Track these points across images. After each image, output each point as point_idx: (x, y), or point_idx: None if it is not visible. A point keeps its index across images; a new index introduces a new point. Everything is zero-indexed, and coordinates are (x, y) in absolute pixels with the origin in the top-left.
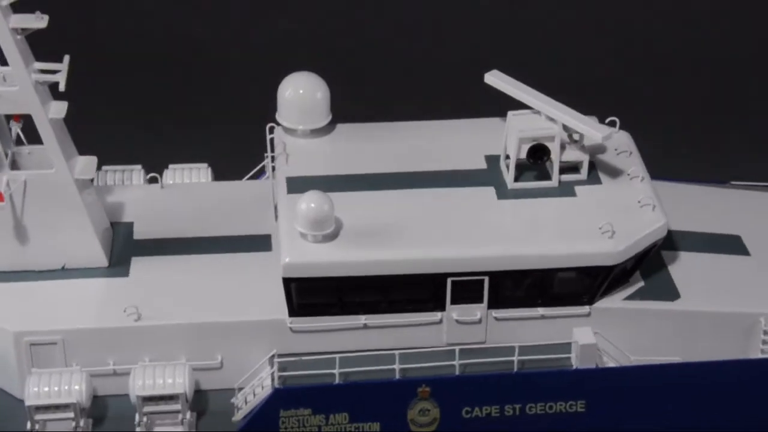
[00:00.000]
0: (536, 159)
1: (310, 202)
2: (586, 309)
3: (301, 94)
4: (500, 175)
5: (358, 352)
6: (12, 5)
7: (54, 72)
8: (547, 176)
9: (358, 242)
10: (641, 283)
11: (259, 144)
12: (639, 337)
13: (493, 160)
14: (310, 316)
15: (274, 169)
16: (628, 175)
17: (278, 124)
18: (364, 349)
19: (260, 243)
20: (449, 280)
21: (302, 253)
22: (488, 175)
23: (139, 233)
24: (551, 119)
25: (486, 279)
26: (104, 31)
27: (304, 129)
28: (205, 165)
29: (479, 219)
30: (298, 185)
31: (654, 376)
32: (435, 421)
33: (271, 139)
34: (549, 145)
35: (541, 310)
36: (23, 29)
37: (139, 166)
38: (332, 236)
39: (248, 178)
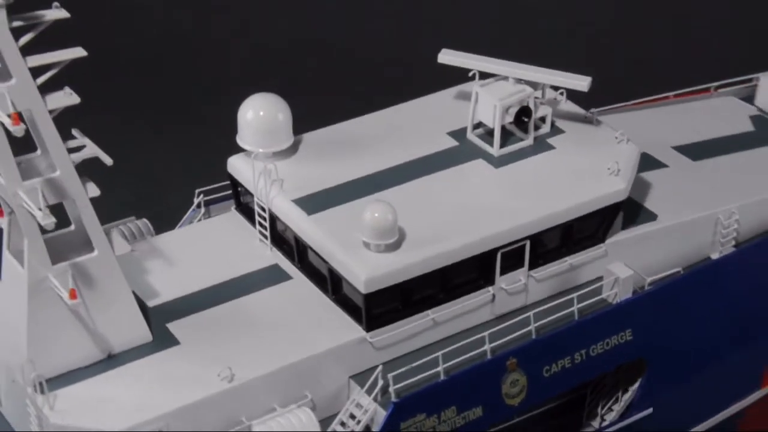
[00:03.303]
0: (521, 121)
1: (386, 212)
2: (603, 247)
3: (262, 116)
4: (477, 147)
5: (427, 346)
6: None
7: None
8: (516, 137)
9: (414, 242)
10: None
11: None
12: (640, 261)
13: (458, 135)
14: (383, 326)
15: (239, 201)
16: (586, 117)
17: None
18: (433, 342)
19: (276, 275)
20: (499, 253)
21: (376, 265)
22: (466, 150)
23: (149, 300)
24: (520, 81)
25: (527, 243)
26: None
27: (265, 152)
28: (144, 220)
29: (495, 190)
30: (309, 205)
31: (685, 285)
32: (524, 389)
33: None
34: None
35: (568, 260)
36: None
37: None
38: (397, 243)
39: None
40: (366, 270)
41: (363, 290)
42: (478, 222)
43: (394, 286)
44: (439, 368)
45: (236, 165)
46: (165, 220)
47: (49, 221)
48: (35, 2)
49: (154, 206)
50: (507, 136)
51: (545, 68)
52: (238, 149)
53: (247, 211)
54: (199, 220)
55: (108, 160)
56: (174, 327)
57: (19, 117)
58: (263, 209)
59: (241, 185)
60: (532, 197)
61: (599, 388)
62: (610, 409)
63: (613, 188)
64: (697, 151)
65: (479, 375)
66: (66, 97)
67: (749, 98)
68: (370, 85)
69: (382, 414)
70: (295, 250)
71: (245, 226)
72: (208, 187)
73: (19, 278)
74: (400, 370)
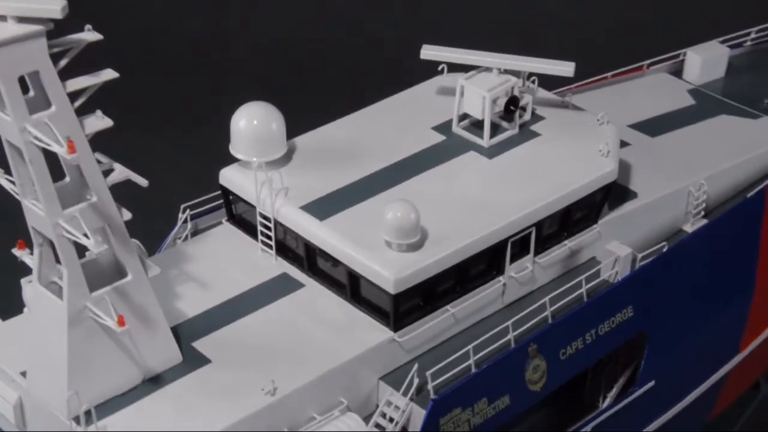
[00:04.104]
0: (509, 110)
1: (409, 211)
2: (596, 228)
3: (257, 125)
4: (465, 140)
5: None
6: None
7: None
8: (501, 127)
9: (432, 239)
10: None
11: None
12: (627, 238)
13: (443, 130)
14: (408, 325)
15: (232, 213)
16: (563, 102)
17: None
18: (452, 336)
19: (288, 283)
20: (509, 242)
21: (403, 265)
22: (455, 143)
23: (169, 321)
24: (506, 71)
25: (533, 230)
26: None
27: (261, 161)
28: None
29: (494, 181)
30: (318, 211)
31: (674, 257)
32: (544, 374)
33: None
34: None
35: (567, 243)
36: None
37: None
38: (421, 241)
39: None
40: (394, 270)
41: (392, 291)
42: (488, 213)
43: (418, 284)
44: (470, 361)
45: (230, 176)
46: (147, 237)
47: (102, 248)
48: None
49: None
50: (493, 127)
51: (528, 57)
52: (214, 161)
53: (242, 222)
54: (187, 235)
55: (143, 182)
56: (200, 345)
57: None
58: (266, 219)
59: (237, 196)
60: (532, 184)
61: (599, 368)
62: (612, 387)
63: (606, 169)
64: (653, 127)
65: (505, 364)
66: (99, 121)
67: (676, 73)
68: (350, 84)
69: (419, 412)
70: (305, 257)
71: (243, 238)
72: (193, 201)
73: (54, 310)
74: (436, 367)
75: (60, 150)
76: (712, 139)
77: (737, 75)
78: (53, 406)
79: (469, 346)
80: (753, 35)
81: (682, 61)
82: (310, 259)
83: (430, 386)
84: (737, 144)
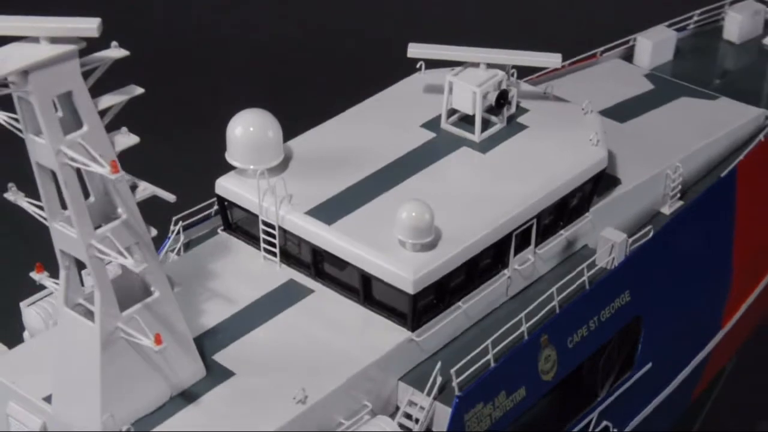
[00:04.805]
0: (501, 104)
1: (423, 211)
2: (588, 216)
3: (253, 132)
4: (456, 136)
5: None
6: None
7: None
8: (489, 121)
9: (443, 237)
10: None
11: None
12: (614, 224)
13: (431, 126)
14: (424, 325)
15: (229, 223)
16: (545, 94)
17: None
18: (463, 331)
19: (297, 290)
20: (513, 235)
21: (421, 264)
22: (447, 140)
23: None
24: (492, 65)
25: (534, 222)
26: None
27: (255, 168)
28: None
29: (492, 175)
30: (323, 215)
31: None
32: (555, 363)
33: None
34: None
35: (564, 233)
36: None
37: None
38: (435, 240)
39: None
40: (412, 270)
41: (411, 291)
42: (492, 208)
43: (434, 282)
44: (489, 356)
45: (227, 185)
46: None
47: (142, 267)
48: None
49: None
50: (482, 121)
51: (514, 50)
52: (203, 171)
53: (240, 231)
54: (180, 247)
55: (170, 197)
56: (221, 358)
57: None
58: (270, 226)
59: (236, 205)
60: (530, 176)
61: (599, 355)
62: (611, 373)
63: (597, 157)
64: (620, 113)
65: (521, 356)
66: (127, 138)
67: (627, 59)
68: (350, 85)
69: (444, 410)
70: (312, 262)
71: (242, 247)
72: (183, 213)
73: (86, 333)
74: (459, 364)
75: (102, 170)
76: (679, 121)
77: (684, 58)
78: (87, 429)
79: (488, 341)
80: (696, 18)
81: (632, 46)
82: (317, 264)
83: (454, 383)
84: (703, 125)
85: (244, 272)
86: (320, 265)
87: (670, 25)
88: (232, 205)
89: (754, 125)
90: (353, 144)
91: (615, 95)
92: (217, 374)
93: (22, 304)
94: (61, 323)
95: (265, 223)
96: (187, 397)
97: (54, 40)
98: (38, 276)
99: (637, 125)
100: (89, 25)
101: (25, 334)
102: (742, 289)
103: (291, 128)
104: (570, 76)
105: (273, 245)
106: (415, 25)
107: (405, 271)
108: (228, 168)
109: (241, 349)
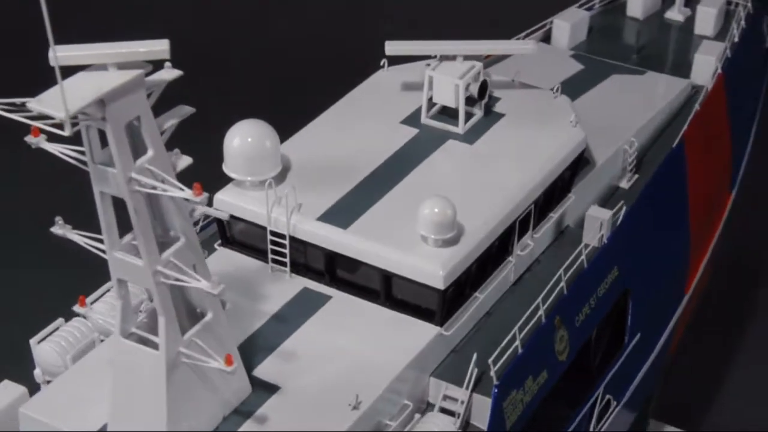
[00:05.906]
0: (482, 95)
1: (446, 207)
2: (572, 197)
3: (250, 143)
4: (439, 129)
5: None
6: None
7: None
8: (467, 113)
9: (459, 230)
10: None
11: None
12: (588, 202)
13: (412, 122)
14: (449, 318)
15: (227, 237)
16: (512, 81)
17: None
18: (478, 320)
19: (314, 298)
20: (517, 223)
21: (447, 259)
22: (431, 134)
23: None
24: (468, 57)
25: (533, 207)
26: None
27: (253, 180)
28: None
29: (484, 165)
30: (335, 220)
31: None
32: (567, 343)
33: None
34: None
35: (553, 215)
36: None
37: None
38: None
39: None
40: (440, 266)
41: (442, 286)
42: (496, 197)
43: (459, 275)
44: (517, 342)
45: (227, 199)
46: None
47: (220, 288)
48: None
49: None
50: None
51: (491, 40)
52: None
53: (239, 244)
54: None
55: (224, 215)
56: (261, 373)
57: None
58: (278, 236)
59: (239, 219)
60: (522, 163)
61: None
62: (602, 347)
63: (578, 138)
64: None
65: (541, 339)
66: (183, 160)
67: (545, 41)
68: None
69: (483, 402)
70: (326, 268)
71: (245, 261)
72: None
73: (149, 361)
74: (494, 354)
75: (184, 194)
76: (619, 98)
77: (596, 37)
78: None
79: (515, 328)
80: None
81: (549, 29)
82: (331, 270)
83: (492, 373)
84: (642, 99)
85: (255, 286)
86: (335, 270)
87: (579, 6)
88: (234, 218)
89: (684, 96)
90: (341, 147)
91: (551, 78)
92: (263, 390)
93: (32, 341)
94: (118, 356)
95: (274, 234)
96: (243, 414)
97: (122, 66)
98: (83, 310)
99: (582, 105)
100: (161, 48)
101: (36, 372)
102: (698, 251)
103: (291, 132)
104: (503, 63)
105: (282, 255)
106: (415, 26)
107: (434, 266)
108: (221, 179)
109: (277, 363)
